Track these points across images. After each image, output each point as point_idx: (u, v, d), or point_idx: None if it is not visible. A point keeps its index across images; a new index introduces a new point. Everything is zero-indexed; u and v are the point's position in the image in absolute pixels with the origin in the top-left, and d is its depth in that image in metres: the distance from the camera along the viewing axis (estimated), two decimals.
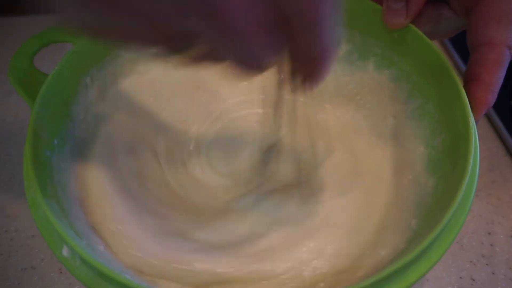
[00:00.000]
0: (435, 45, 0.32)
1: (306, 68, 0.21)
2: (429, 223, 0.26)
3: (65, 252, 0.24)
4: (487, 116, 0.45)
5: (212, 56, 0.20)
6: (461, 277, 0.35)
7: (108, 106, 0.36)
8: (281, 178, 0.34)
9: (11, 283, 0.34)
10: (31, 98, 0.31)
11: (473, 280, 0.34)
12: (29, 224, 0.37)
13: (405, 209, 0.30)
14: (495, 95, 0.29)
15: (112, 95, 0.36)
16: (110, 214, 0.31)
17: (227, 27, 0.17)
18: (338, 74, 0.38)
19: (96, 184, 0.32)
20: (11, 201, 0.39)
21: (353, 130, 0.37)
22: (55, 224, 0.24)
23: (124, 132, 0.35)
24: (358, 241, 0.30)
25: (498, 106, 0.44)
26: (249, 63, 0.19)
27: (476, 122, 0.28)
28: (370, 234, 0.30)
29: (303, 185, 0.33)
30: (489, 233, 0.37)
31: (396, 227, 0.30)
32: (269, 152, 0.35)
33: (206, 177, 0.35)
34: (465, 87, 0.29)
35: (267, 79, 0.27)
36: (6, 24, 0.56)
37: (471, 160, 0.26)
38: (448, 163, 0.29)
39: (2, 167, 0.41)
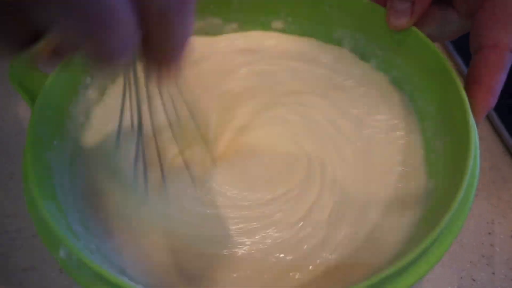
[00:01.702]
0: (437, 48, 0.32)
1: (160, 56, 0.20)
2: (428, 225, 0.26)
3: (62, 253, 0.25)
4: (487, 116, 0.44)
5: (66, 48, 0.19)
6: (461, 277, 0.35)
7: (108, 106, 0.36)
8: None
9: (12, 283, 0.34)
10: (31, 99, 0.31)
11: (474, 280, 0.34)
12: (30, 224, 0.37)
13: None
14: (496, 98, 0.29)
15: (111, 94, 0.36)
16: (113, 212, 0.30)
17: (83, 12, 0.16)
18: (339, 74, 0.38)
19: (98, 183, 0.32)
20: (11, 201, 0.39)
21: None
22: (52, 225, 0.24)
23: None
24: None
25: (498, 106, 0.44)
26: (109, 52, 0.18)
27: (477, 124, 0.28)
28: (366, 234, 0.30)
29: None
30: (490, 233, 0.37)
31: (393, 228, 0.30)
32: None
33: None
34: (466, 89, 0.29)
35: None
36: None
37: (470, 162, 0.26)
38: (449, 166, 0.29)
39: (2, 167, 0.41)
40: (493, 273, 0.35)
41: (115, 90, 0.36)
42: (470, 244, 0.36)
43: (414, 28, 0.33)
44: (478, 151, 0.28)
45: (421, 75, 0.34)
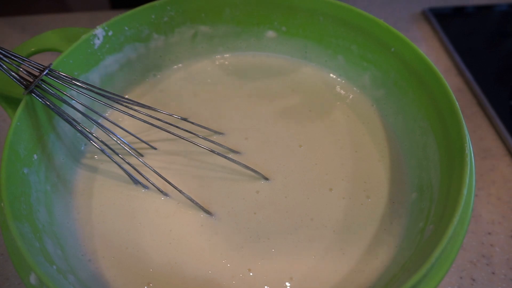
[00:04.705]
0: (429, 60, 0.33)
1: None
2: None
3: (32, 279, 0.24)
4: (487, 116, 0.45)
5: None
6: (461, 277, 0.35)
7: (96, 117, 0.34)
8: None
9: (11, 283, 0.34)
10: (13, 109, 0.29)
11: (473, 280, 0.34)
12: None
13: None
14: None
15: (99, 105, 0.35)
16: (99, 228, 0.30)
17: None
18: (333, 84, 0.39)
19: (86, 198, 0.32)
20: None
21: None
22: (22, 249, 0.23)
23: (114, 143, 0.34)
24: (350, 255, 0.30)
25: (498, 106, 0.44)
26: None
27: None
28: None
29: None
30: (489, 233, 0.37)
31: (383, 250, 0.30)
32: None
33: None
34: None
35: None
36: (4, 24, 0.55)
37: (464, 191, 0.26)
38: (443, 189, 0.29)
39: None
40: (493, 273, 0.35)
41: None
42: (470, 244, 0.36)
43: (410, 42, 0.34)
44: (474, 176, 0.28)
45: (415, 88, 0.34)
